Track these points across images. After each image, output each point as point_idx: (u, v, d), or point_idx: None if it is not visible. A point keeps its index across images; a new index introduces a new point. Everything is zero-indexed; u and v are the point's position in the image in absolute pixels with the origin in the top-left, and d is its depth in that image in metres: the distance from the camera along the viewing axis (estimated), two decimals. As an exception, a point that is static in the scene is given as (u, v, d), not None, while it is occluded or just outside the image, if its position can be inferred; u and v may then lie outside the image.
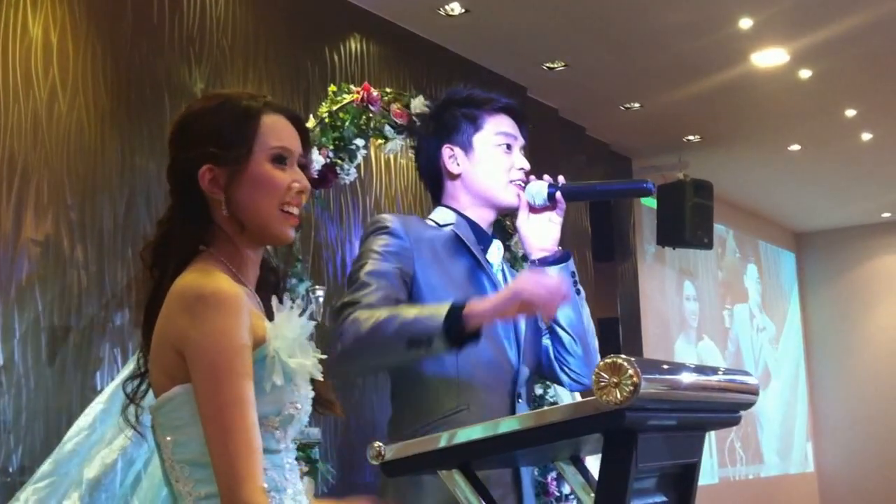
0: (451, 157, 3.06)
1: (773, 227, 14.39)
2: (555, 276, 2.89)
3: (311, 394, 2.26)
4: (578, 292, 3.08)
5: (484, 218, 3.08)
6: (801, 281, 15.07)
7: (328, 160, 5.03)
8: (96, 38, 5.13)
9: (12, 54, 4.74)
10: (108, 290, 4.97)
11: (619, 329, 10.02)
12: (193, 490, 2.12)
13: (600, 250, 9.75)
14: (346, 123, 5.04)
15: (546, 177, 3.07)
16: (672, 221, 10.37)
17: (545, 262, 3.04)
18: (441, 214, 3.07)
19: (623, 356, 1.93)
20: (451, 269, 2.93)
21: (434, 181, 3.13)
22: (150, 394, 2.26)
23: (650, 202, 10.80)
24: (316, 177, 4.98)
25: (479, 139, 3.06)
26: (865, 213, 13.76)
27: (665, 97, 8.96)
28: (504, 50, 7.69)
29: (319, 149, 5.00)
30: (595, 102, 9.02)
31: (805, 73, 8.52)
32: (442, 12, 7.03)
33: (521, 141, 3.11)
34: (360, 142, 5.09)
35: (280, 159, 2.25)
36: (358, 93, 5.11)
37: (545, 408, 2.37)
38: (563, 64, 8.08)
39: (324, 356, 2.34)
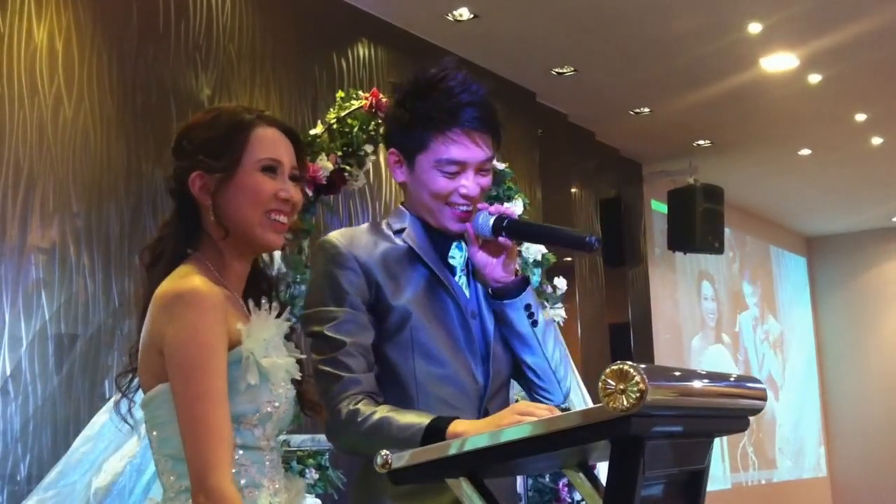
0: (397, 163, 2.79)
1: (784, 231, 14.37)
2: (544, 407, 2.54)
3: (292, 393, 2.35)
4: (535, 324, 2.78)
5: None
6: (813, 285, 15.04)
7: (336, 166, 5.02)
8: (102, 45, 5.12)
9: (17, 61, 4.73)
10: (116, 298, 4.96)
11: (629, 334, 10.01)
12: (175, 483, 2.23)
13: (611, 255, 9.75)
14: (355, 129, 5.03)
15: (494, 208, 2.74)
16: (683, 226, 10.36)
17: (499, 294, 2.76)
18: (396, 218, 2.82)
19: (629, 363, 1.91)
20: (407, 288, 2.70)
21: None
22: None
23: (661, 207, 10.78)
24: (324, 183, 4.98)
25: (421, 159, 2.74)
26: (876, 218, 13.73)
27: (675, 102, 8.95)
28: (513, 55, 7.68)
29: (328, 155, 4.99)
30: (604, 107, 9.00)
31: (815, 78, 8.49)
32: (450, 18, 7.03)
33: (475, 161, 2.74)
34: (368, 148, 5.08)
35: (270, 169, 2.34)
36: (366, 99, 5.09)
37: (553, 415, 2.34)
38: (572, 69, 8.06)
39: (302, 356, 2.40)
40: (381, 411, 2.56)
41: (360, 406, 2.57)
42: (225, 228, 2.30)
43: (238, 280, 2.37)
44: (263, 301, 2.35)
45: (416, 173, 2.75)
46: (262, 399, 2.25)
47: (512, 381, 2.90)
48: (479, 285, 2.82)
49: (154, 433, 2.26)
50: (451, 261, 2.79)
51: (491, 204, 2.82)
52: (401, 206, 2.87)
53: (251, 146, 2.33)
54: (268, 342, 2.28)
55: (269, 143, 2.36)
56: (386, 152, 2.87)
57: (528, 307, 2.76)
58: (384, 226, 2.82)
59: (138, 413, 2.36)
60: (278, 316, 2.35)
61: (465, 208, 2.73)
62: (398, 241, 2.76)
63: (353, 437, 2.57)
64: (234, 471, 2.16)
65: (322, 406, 2.52)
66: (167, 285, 2.24)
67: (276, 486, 2.30)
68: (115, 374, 4.78)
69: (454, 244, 2.80)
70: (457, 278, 2.78)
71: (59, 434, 4.60)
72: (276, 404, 2.28)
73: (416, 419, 2.51)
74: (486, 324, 2.78)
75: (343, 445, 2.67)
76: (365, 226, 2.85)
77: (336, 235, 2.75)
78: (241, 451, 2.23)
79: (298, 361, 2.38)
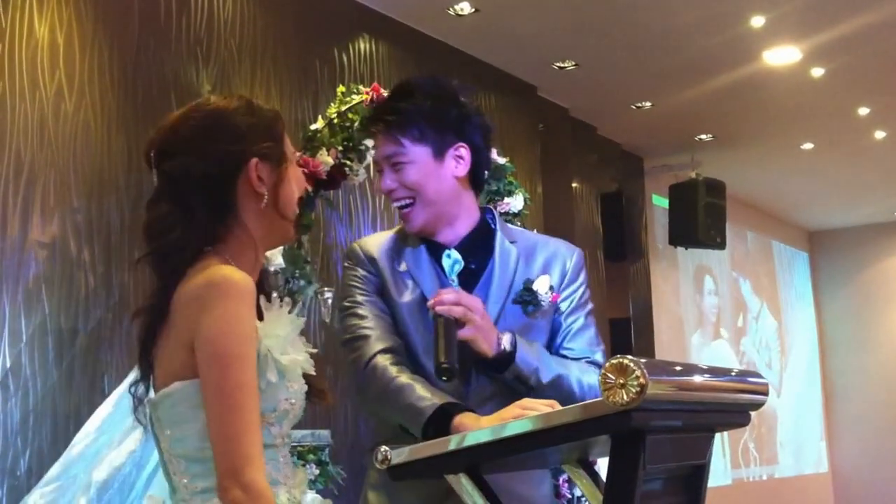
0: None
1: (787, 226, 14.35)
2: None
3: (305, 388, 2.31)
4: (532, 389, 2.79)
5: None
6: (815, 280, 15.02)
7: (337, 161, 5.01)
8: (103, 39, 5.11)
9: (18, 55, 4.72)
10: (116, 293, 4.95)
11: (630, 329, 10.00)
12: (190, 483, 2.17)
13: (612, 250, 9.73)
14: (355, 124, 5.02)
15: (438, 298, 2.75)
16: (684, 221, 10.35)
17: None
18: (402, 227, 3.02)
19: (630, 357, 1.91)
20: (400, 301, 2.89)
21: None
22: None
23: (662, 201, 10.77)
24: (324, 178, 4.97)
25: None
26: (879, 212, 13.71)
27: (677, 96, 8.93)
28: (514, 49, 7.66)
29: (328, 150, 4.98)
30: (606, 102, 8.99)
31: (818, 71, 8.47)
32: (451, 12, 7.01)
33: (381, 157, 2.92)
34: (369, 142, 5.07)
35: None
36: (367, 93, 5.09)
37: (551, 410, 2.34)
38: (573, 63, 8.05)
39: (314, 350, 2.39)
40: (410, 377, 2.74)
41: (393, 366, 2.76)
42: (281, 216, 2.31)
43: (255, 275, 2.31)
44: (275, 296, 2.33)
45: None
46: (280, 397, 2.23)
47: None
48: (490, 289, 2.90)
49: (167, 432, 2.20)
50: (445, 265, 2.89)
51: (494, 204, 2.93)
52: None
53: (286, 139, 2.36)
54: (285, 339, 2.26)
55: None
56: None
57: (517, 378, 2.79)
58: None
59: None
60: (290, 311, 2.33)
61: (397, 204, 2.92)
62: (403, 253, 2.95)
63: (380, 392, 2.74)
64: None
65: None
66: (195, 282, 2.16)
67: (291, 481, 2.29)
68: (115, 368, 4.82)
69: (444, 253, 2.88)
70: (451, 281, 2.85)
71: (58, 429, 4.60)
72: (293, 401, 2.26)
73: (434, 395, 2.66)
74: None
75: (369, 398, 2.83)
76: (390, 232, 3.05)
77: (361, 239, 3.03)
78: None
79: (312, 356, 2.36)
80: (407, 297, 2.87)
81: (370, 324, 2.83)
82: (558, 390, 2.80)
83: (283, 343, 2.24)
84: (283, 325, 2.28)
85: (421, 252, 2.90)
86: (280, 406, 2.23)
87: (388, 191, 2.89)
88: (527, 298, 2.88)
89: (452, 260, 2.85)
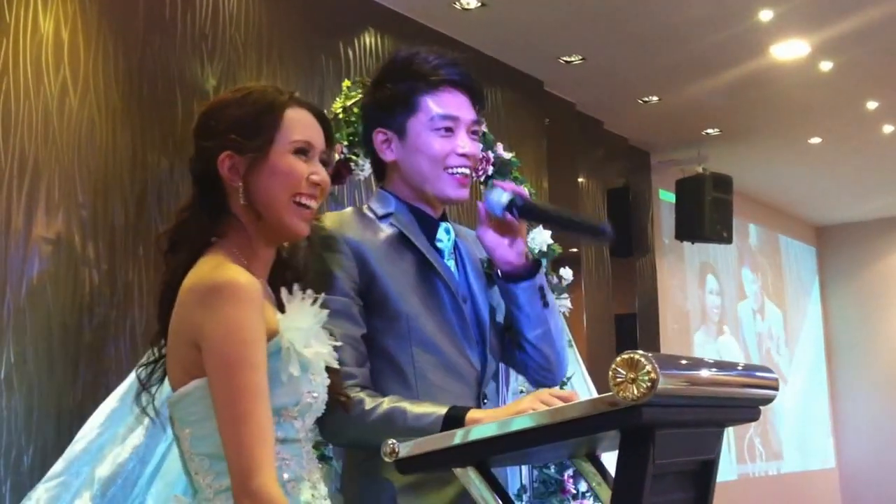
0: (385, 141, 2.74)
1: (794, 221, 14.32)
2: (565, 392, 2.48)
3: (327, 381, 2.29)
4: (546, 305, 2.78)
5: (427, 205, 2.79)
6: (822, 275, 14.99)
7: (342, 156, 5.00)
8: (108, 34, 5.10)
9: (23, 51, 4.71)
10: (120, 289, 4.95)
11: (636, 325, 9.98)
12: (213, 482, 2.15)
13: (618, 245, 9.70)
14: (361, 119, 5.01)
15: (507, 185, 2.73)
16: (691, 216, 10.33)
17: (510, 276, 2.75)
18: (379, 202, 2.78)
19: (640, 352, 1.90)
20: (399, 275, 2.67)
21: (374, 164, 2.85)
22: (166, 386, 2.29)
23: (669, 196, 10.75)
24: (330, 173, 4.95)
25: (413, 123, 2.71)
26: (887, 207, 13.66)
27: (684, 90, 8.91)
28: (520, 44, 7.65)
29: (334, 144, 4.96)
30: (613, 96, 8.97)
31: (826, 66, 8.44)
32: (458, 6, 7.00)
33: (467, 120, 2.74)
34: (373, 138, 5.05)
35: (302, 152, 2.29)
36: (372, 88, 5.07)
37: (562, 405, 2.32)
38: (580, 58, 8.03)
39: (338, 343, 2.35)
40: (390, 401, 2.53)
41: (364, 396, 2.54)
42: (257, 212, 2.25)
43: (264, 268, 2.31)
44: (296, 288, 2.31)
45: (409, 142, 2.72)
46: (303, 390, 2.21)
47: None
48: (467, 269, 2.81)
49: (187, 431, 2.19)
50: (438, 244, 2.77)
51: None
52: (382, 191, 2.82)
53: (284, 127, 2.28)
54: (308, 331, 2.24)
55: (302, 125, 2.31)
56: (371, 144, 2.82)
57: (540, 289, 2.76)
58: (367, 211, 2.78)
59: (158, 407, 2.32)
60: (313, 303, 2.31)
61: (463, 170, 2.72)
62: (384, 226, 2.73)
63: (359, 429, 2.53)
64: (276, 465, 2.11)
65: (348, 399, 2.46)
66: (199, 276, 2.17)
67: (315, 477, 2.27)
68: (119, 364, 4.81)
69: (442, 227, 2.78)
70: (445, 261, 2.76)
71: (62, 425, 4.59)
72: (315, 394, 2.24)
73: (433, 408, 2.49)
74: (480, 308, 2.78)
75: (346, 439, 2.64)
76: (350, 210, 2.81)
77: (323, 219, 2.70)
78: (281, 445, 2.18)
79: (335, 349, 2.35)
80: (406, 261, 2.68)
81: (337, 352, 2.49)
82: (555, 314, 2.83)
83: (305, 335, 2.23)
84: (305, 317, 2.26)
85: (412, 220, 2.74)
86: (303, 399, 2.22)
87: (470, 154, 2.72)
88: (491, 273, 2.84)
89: (451, 236, 2.80)
